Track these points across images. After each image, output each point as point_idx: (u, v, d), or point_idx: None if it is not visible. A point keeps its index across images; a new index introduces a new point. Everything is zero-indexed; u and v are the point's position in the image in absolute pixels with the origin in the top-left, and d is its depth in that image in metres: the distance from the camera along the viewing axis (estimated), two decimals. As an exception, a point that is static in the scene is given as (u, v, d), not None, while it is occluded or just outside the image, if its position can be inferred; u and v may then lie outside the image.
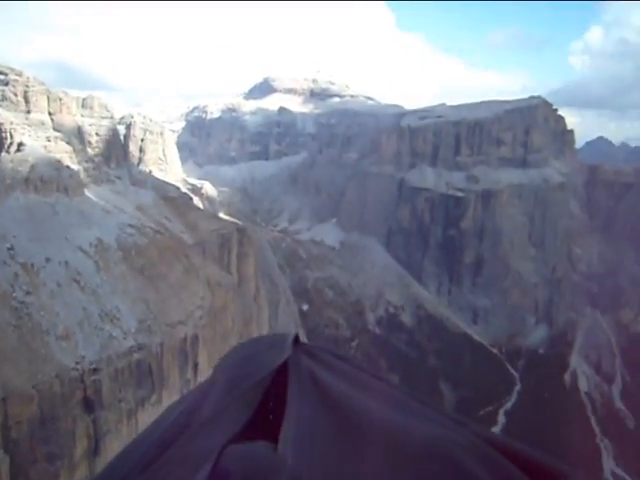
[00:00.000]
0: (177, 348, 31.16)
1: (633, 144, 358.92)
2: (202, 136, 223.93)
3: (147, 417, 30.31)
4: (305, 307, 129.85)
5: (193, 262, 38.42)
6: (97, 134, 77.18)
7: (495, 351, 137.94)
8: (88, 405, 31.61)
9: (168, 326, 31.20)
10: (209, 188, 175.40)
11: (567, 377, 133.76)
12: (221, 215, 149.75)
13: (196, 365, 31.73)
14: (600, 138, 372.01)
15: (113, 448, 30.96)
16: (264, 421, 1.45)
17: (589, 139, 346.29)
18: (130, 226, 41.59)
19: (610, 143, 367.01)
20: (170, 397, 30.32)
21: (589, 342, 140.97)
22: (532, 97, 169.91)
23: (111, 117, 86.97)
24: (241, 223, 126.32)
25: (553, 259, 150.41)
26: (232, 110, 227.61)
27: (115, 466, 1.36)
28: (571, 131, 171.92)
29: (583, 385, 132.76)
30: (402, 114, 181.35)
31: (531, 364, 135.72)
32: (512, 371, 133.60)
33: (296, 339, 1.75)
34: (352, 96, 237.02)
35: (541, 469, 1.21)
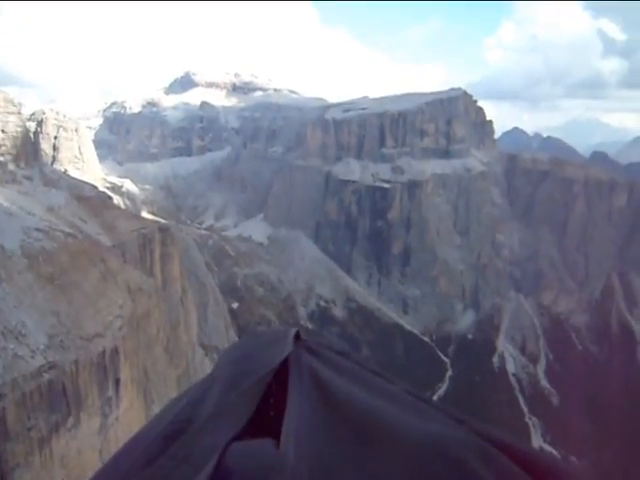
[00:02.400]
0: (95, 364, 27.92)
1: (545, 134, 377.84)
2: (121, 132, 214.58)
3: (63, 444, 27.02)
4: (235, 305, 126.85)
5: (111, 266, 35.11)
6: (3, 131, 71.15)
7: (426, 339, 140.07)
8: (-10, 437, 27.97)
9: (83, 340, 27.99)
10: (130, 186, 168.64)
11: (495, 360, 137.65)
12: (144, 214, 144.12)
13: (117, 381, 28.72)
14: (515, 128, 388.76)
15: (24, 483, 27.55)
16: (266, 418, 1.45)
17: (505, 130, 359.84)
18: (37, 230, 37.40)
19: (525, 133, 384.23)
20: (89, 419, 27.20)
21: (514, 325, 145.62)
22: (452, 89, 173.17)
23: (19, 113, 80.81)
24: (165, 221, 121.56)
25: (477, 246, 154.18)
26: (152, 105, 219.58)
27: (118, 460, 1.36)
28: (490, 121, 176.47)
29: (510, 367, 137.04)
30: (326, 107, 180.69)
31: (461, 349, 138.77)
32: (443, 357, 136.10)
33: (297, 335, 1.76)
34: (275, 90, 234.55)
35: (541, 466, 1.22)
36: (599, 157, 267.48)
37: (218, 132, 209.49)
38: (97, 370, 27.94)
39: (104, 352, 28.36)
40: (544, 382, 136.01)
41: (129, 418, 28.18)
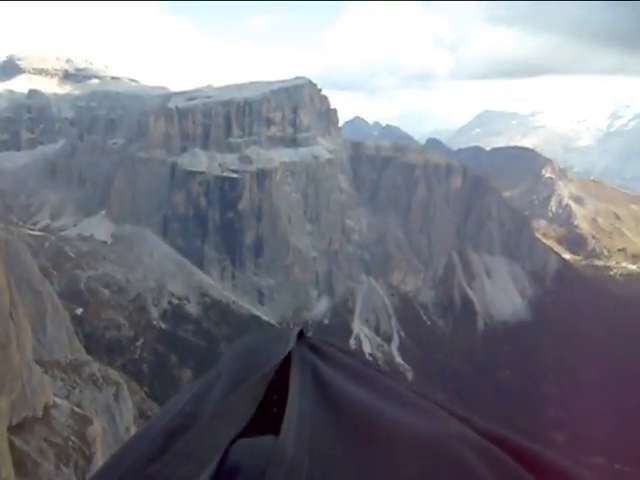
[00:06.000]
0: None
1: (384, 123, 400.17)
2: None
3: None
4: (79, 311, 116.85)
5: None
6: None
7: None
8: None
9: None
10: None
11: (352, 342, 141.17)
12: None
13: None
14: (357, 117, 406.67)
15: None
16: (269, 415, 1.43)
17: (347, 119, 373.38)
18: None
19: (365, 122, 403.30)
20: None
21: (367, 307, 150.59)
22: (297, 77, 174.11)
23: None
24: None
25: (328, 232, 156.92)
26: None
27: (121, 455, 1.32)
28: (335, 110, 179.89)
29: (367, 347, 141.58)
30: (169, 96, 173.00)
31: (318, 335, 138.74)
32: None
33: (301, 333, 1.70)
34: (113, 77, 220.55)
35: (547, 467, 1.20)
36: (434, 144, 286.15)
37: (50, 123, 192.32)
38: None
39: None
40: (399, 359, 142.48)
41: None
